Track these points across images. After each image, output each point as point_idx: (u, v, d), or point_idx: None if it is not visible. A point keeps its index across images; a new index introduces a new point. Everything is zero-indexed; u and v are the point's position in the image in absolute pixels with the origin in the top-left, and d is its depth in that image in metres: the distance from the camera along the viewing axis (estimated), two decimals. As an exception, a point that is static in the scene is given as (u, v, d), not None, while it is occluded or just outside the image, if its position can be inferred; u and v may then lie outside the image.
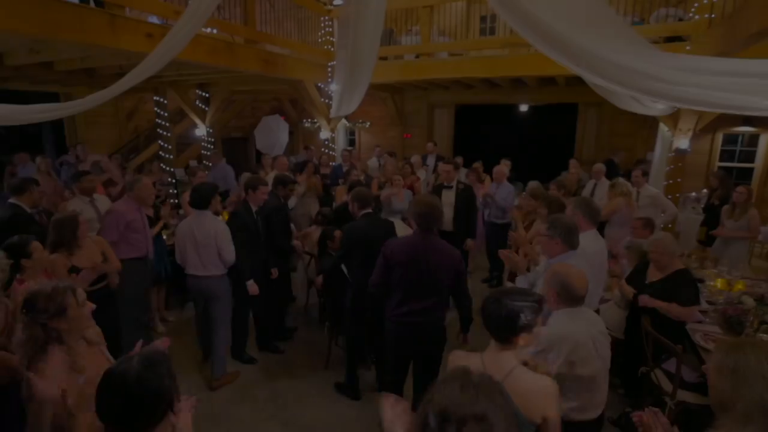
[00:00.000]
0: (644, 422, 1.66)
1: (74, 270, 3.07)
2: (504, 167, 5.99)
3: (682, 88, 2.29)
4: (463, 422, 0.99)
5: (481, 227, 6.24)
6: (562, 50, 2.77)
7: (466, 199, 5.13)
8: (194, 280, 3.73)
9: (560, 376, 1.98)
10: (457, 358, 1.84)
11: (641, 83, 2.43)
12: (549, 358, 2.02)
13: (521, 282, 2.92)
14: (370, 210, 3.62)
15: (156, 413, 1.27)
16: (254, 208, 4.00)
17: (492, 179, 6.21)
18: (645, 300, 3.15)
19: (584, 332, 2.05)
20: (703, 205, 6.81)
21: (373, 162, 8.54)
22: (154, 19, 5.32)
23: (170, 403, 1.31)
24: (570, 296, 2.08)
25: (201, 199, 3.60)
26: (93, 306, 2.20)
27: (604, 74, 2.58)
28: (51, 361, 1.71)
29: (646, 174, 5.50)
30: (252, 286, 3.85)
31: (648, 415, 1.66)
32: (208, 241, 3.57)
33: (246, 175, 4.96)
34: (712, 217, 5.49)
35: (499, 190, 5.84)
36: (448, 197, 5.12)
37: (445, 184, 5.23)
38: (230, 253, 3.65)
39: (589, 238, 3.00)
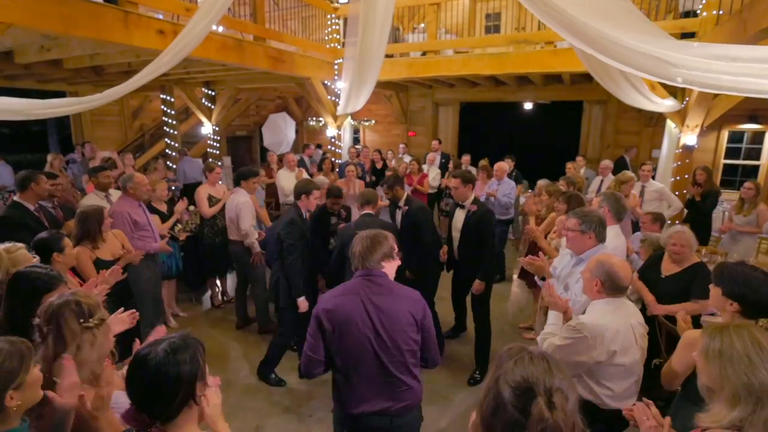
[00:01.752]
0: (634, 416, 1.63)
1: (99, 262, 3.09)
2: (505, 164, 6.03)
3: (713, 75, 2.32)
4: (550, 393, 1.01)
5: None
6: (593, 43, 2.76)
7: (477, 226, 3.76)
8: (230, 244, 4.62)
9: (599, 364, 2.05)
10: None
11: (670, 72, 2.46)
12: (589, 345, 2.04)
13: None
14: (370, 210, 3.67)
15: (175, 399, 1.28)
16: (306, 215, 3.83)
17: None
18: (658, 309, 3.10)
19: (624, 322, 2.09)
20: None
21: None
22: (159, 17, 5.36)
23: (191, 389, 1.30)
24: (614, 286, 2.09)
25: (237, 177, 4.57)
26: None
27: (631, 63, 2.61)
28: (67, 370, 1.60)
29: (654, 169, 5.57)
30: (302, 303, 3.60)
31: (637, 409, 1.63)
32: (231, 211, 4.43)
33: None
34: (693, 212, 5.55)
35: (500, 186, 5.87)
36: (458, 220, 3.96)
37: (459, 202, 3.97)
38: (243, 222, 4.36)
39: (611, 234, 3.00)
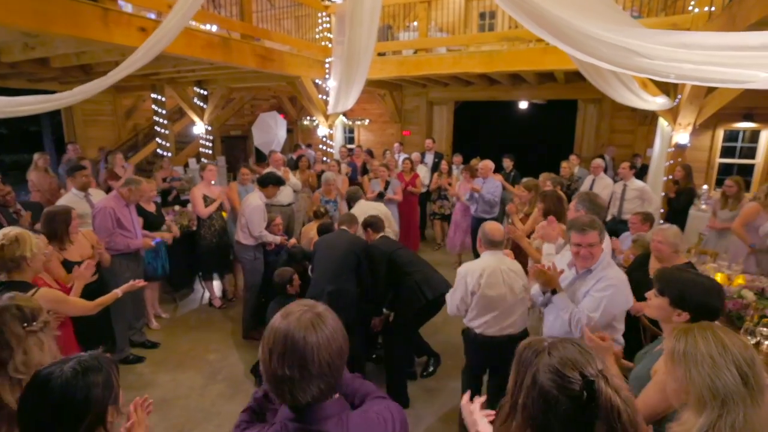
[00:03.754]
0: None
1: (66, 264, 3.03)
2: (490, 162, 5.96)
3: (674, 64, 2.24)
4: (603, 375, 1.00)
5: (463, 220, 6.25)
6: (558, 33, 2.68)
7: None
8: (236, 245, 4.58)
9: (474, 295, 2.76)
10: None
11: (633, 61, 2.37)
12: (468, 281, 2.77)
13: (561, 302, 2.48)
14: (346, 228, 3.67)
15: (79, 426, 1.13)
16: None
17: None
18: (637, 307, 3.04)
19: (494, 264, 2.80)
20: (704, 203, 6.77)
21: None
22: (152, 16, 5.30)
23: (101, 415, 1.17)
24: (489, 241, 2.87)
25: (262, 180, 4.47)
26: None
27: (594, 54, 2.52)
28: None
29: (634, 167, 5.53)
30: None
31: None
32: (242, 212, 4.44)
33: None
34: (669, 211, 5.51)
35: (485, 184, 5.81)
36: None
37: None
38: (254, 229, 4.34)
39: None
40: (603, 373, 1.01)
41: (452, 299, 2.90)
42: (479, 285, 2.72)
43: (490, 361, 2.92)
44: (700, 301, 1.70)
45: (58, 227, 2.99)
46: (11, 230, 2.32)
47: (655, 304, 1.82)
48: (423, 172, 7.34)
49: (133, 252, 4.01)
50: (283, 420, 1.09)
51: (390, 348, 3.64)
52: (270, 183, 4.43)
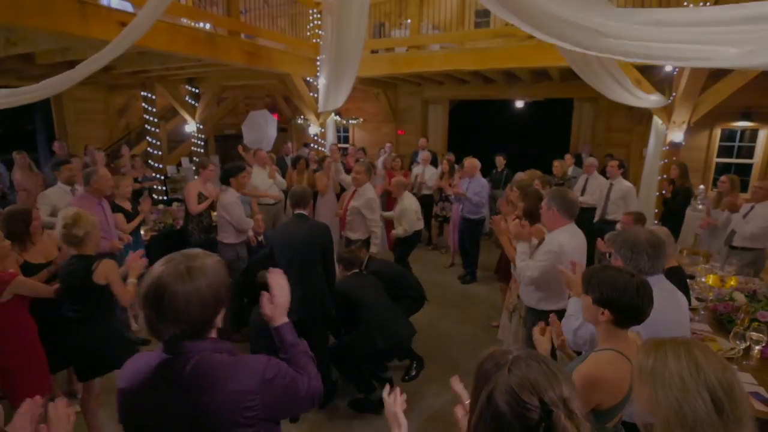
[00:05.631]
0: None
1: (27, 266, 2.91)
2: (475, 160, 5.84)
3: (641, 43, 2.12)
4: (565, 403, 0.91)
5: (457, 223, 6.16)
6: (523, 15, 2.54)
7: None
8: (219, 245, 4.44)
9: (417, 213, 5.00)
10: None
11: (598, 42, 2.24)
12: (413, 209, 4.97)
13: (571, 306, 2.27)
14: (302, 211, 3.35)
15: None
16: None
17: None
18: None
19: (412, 199, 5.14)
20: (700, 203, 6.66)
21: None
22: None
23: None
24: (404, 186, 5.02)
25: (223, 178, 4.42)
26: None
27: (561, 36, 2.40)
28: None
29: (622, 167, 5.43)
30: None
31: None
32: (221, 211, 4.32)
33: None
34: (665, 211, 5.43)
35: (471, 184, 5.68)
36: None
37: None
38: (240, 223, 4.30)
39: (566, 234, 2.80)
40: (567, 403, 0.89)
41: (408, 223, 4.96)
42: (414, 207, 5.01)
43: (413, 246, 5.27)
44: (616, 298, 1.60)
45: (17, 228, 2.86)
46: (69, 210, 2.61)
47: (584, 305, 1.74)
48: (429, 173, 7.18)
49: (107, 254, 3.88)
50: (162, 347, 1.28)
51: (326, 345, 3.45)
52: (231, 176, 4.32)
